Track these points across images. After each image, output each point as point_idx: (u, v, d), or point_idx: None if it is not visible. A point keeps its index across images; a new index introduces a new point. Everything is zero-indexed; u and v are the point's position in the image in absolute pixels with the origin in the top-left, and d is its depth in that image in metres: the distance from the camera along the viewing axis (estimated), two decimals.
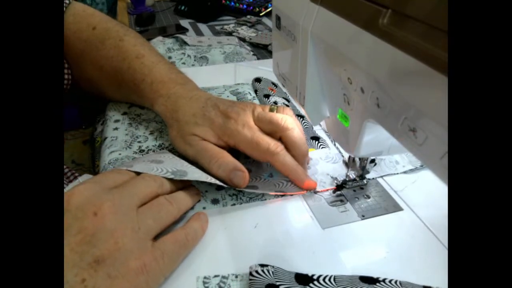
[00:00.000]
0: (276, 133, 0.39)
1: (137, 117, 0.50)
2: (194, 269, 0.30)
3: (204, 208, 0.36)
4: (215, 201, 0.37)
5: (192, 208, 0.36)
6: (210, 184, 0.37)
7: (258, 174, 0.40)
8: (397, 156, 0.43)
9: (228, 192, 0.38)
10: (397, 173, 0.41)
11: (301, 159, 0.39)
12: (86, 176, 0.35)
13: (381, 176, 0.41)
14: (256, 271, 0.28)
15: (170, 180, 0.34)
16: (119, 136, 0.46)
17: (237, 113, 0.39)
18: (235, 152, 0.40)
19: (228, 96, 0.55)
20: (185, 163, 0.37)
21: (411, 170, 0.42)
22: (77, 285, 0.24)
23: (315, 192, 0.39)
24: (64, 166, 0.43)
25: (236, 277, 0.30)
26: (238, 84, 0.60)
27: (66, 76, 0.51)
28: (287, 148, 0.39)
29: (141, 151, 0.44)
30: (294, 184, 0.38)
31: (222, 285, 0.29)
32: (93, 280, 0.25)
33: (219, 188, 0.38)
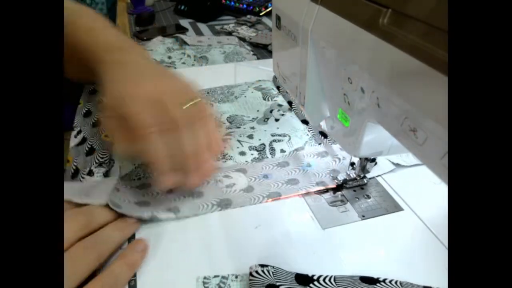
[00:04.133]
0: None
1: None
2: (194, 269, 0.30)
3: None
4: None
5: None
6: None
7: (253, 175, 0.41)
8: None
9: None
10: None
11: None
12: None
13: (381, 175, 0.41)
14: (256, 271, 0.28)
15: (102, 211, 0.32)
16: None
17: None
18: None
19: (252, 92, 0.57)
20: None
21: None
22: None
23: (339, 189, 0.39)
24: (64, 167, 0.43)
25: (236, 277, 0.30)
26: (260, 80, 0.61)
27: None
28: None
29: None
30: (290, 185, 0.39)
31: (222, 285, 0.29)
32: None
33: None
